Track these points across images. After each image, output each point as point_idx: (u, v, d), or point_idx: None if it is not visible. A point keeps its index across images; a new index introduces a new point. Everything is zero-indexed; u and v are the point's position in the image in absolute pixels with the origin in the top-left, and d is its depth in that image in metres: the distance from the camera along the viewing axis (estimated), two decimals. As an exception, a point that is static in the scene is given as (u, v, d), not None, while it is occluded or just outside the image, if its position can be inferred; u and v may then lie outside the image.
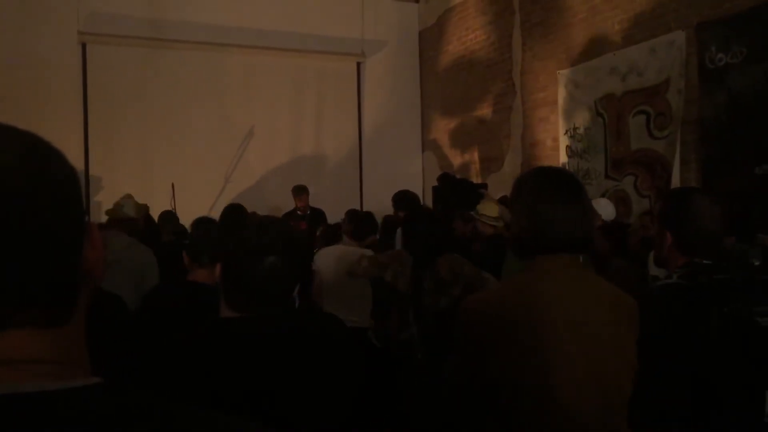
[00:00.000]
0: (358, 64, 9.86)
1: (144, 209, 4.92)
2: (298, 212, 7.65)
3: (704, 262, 1.92)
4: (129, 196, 4.66)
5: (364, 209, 7.24)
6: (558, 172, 1.83)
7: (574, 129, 7.11)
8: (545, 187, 1.69)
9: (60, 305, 0.67)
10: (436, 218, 3.91)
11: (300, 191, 7.75)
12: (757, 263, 2.32)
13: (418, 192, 9.30)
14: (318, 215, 7.28)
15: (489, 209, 5.05)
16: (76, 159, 8.25)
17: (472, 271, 3.34)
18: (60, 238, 0.66)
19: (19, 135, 0.69)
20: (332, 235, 5.29)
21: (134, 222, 4.42)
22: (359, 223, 4.94)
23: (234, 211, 4.95)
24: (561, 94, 7.28)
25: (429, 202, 8.30)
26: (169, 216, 6.21)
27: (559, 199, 1.66)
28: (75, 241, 0.68)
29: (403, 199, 5.94)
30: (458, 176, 8.39)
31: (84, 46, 8.38)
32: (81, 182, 0.72)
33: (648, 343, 1.69)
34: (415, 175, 10.02)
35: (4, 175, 0.63)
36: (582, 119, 6.98)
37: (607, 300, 1.68)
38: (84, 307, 0.70)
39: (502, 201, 5.25)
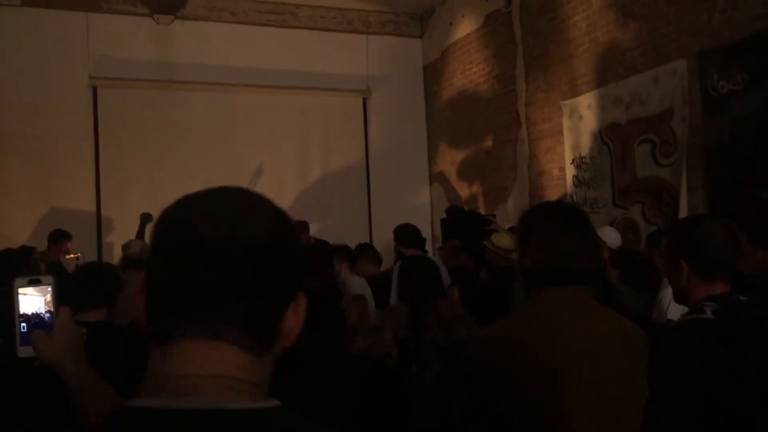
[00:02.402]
0: (364, 100, 9.97)
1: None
2: None
3: (741, 298, 1.88)
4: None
5: (373, 242, 7.26)
6: (566, 206, 1.86)
7: (580, 158, 7.15)
8: (556, 220, 1.72)
9: (264, 342, 0.83)
10: (429, 260, 3.91)
11: (302, 228, 7.80)
12: None
13: (427, 224, 9.33)
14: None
15: (504, 241, 5.02)
16: (87, 201, 8.36)
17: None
18: (283, 293, 0.84)
19: (272, 209, 0.87)
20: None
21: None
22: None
23: None
24: (566, 125, 7.34)
25: (438, 233, 8.31)
26: None
27: (571, 233, 1.68)
28: (289, 298, 0.85)
29: (402, 234, 5.79)
30: (466, 208, 8.41)
31: (95, 89, 8.53)
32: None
33: (675, 377, 1.68)
34: (423, 208, 10.05)
35: (261, 240, 0.81)
36: (587, 149, 7.03)
37: (616, 331, 1.69)
38: (274, 353, 0.86)
39: (511, 231, 5.25)
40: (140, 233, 6.87)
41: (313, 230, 7.79)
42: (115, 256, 7.69)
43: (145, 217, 7.12)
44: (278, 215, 0.86)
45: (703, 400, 1.73)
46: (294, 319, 0.86)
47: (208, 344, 0.79)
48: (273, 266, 0.82)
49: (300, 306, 0.87)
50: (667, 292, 3.46)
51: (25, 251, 5.40)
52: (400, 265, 3.93)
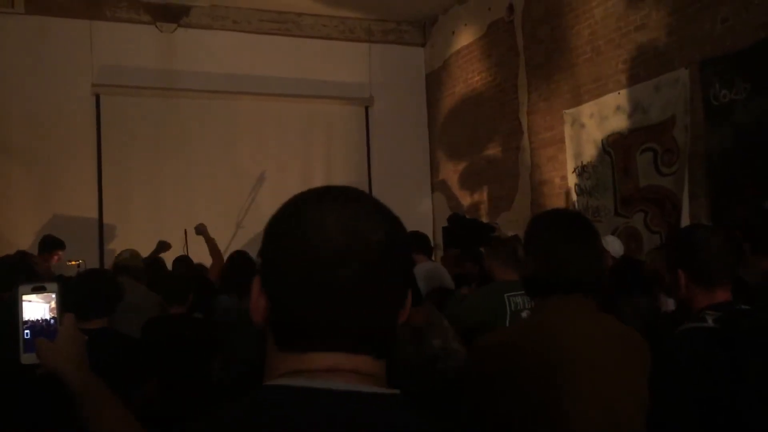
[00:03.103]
0: (366, 108, 9.98)
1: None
2: None
3: (743, 307, 1.88)
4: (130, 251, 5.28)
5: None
6: (573, 214, 1.87)
7: (582, 167, 7.15)
8: (562, 228, 1.73)
9: (387, 344, 0.89)
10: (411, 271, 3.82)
11: None
12: None
13: (429, 232, 9.31)
14: None
15: None
16: (89, 208, 8.37)
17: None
18: (401, 301, 0.89)
19: (387, 220, 0.89)
20: None
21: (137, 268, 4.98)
22: None
23: (240, 256, 5.00)
24: (568, 133, 7.35)
25: (439, 241, 8.31)
26: (184, 259, 6.26)
27: (575, 241, 1.69)
28: (403, 303, 0.90)
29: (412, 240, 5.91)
30: (468, 216, 8.41)
31: (98, 97, 8.55)
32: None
33: (676, 381, 1.68)
34: (425, 216, 10.05)
35: (383, 264, 0.85)
36: (589, 157, 7.03)
37: (618, 339, 1.69)
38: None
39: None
40: (150, 256, 6.50)
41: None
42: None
43: (163, 246, 6.81)
44: (393, 225, 0.89)
45: (704, 404, 1.73)
46: (402, 315, 0.91)
47: (339, 355, 0.85)
48: (394, 281, 0.87)
49: (407, 303, 0.91)
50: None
51: (24, 256, 5.35)
52: None
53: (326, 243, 0.83)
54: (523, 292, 3.77)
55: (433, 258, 6.35)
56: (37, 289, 1.36)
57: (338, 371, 0.84)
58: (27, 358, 1.34)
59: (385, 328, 0.87)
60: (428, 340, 3.06)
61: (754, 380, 1.72)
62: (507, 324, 3.63)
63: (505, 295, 3.72)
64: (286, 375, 0.84)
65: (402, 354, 3.04)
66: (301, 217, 0.87)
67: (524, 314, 3.64)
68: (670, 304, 3.67)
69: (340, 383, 0.82)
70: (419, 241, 5.72)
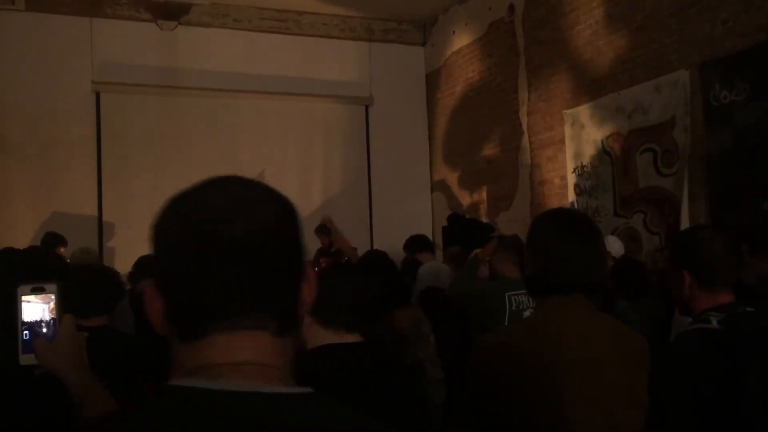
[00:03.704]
0: (366, 107, 9.98)
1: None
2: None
3: (747, 309, 1.88)
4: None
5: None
6: (576, 214, 1.86)
7: (582, 167, 7.15)
8: (564, 228, 1.72)
9: (289, 319, 0.87)
10: (393, 266, 3.76)
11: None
12: None
13: (428, 232, 9.31)
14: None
15: None
16: (89, 206, 8.36)
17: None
18: (298, 271, 0.88)
19: (273, 194, 0.89)
20: None
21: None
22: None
23: None
24: (568, 134, 7.35)
25: (439, 241, 8.31)
26: None
27: (577, 241, 1.68)
28: (302, 275, 0.89)
29: (413, 241, 5.92)
30: (467, 216, 8.41)
31: (98, 95, 8.55)
32: None
33: (677, 383, 1.68)
34: (425, 215, 10.05)
35: (272, 227, 0.84)
36: (589, 158, 7.03)
37: (618, 340, 1.69)
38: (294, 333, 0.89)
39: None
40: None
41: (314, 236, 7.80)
42: (117, 261, 7.69)
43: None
44: (279, 198, 0.89)
45: (707, 405, 1.73)
46: (308, 290, 0.89)
47: (241, 334, 0.82)
48: (287, 248, 0.86)
49: (310, 277, 0.90)
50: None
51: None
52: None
53: (210, 210, 0.83)
54: (524, 290, 3.79)
55: (435, 257, 6.36)
56: (36, 290, 1.36)
57: (240, 365, 0.80)
58: (25, 359, 1.34)
59: (281, 297, 0.85)
60: (409, 345, 2.97)
61: (758, 383, 1.72)
62: (506, 322, 3.63)
63: (507, 293, 3.72)
64: (187, 373, 0.81)
65: (380, 356, 2.95)
66: (185, 203, 0.87)
67: (527, 313, 3.64)
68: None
69: (241, 382, 0.79)
70: (421, 242, 5.76)
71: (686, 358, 1.79)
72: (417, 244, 5.71)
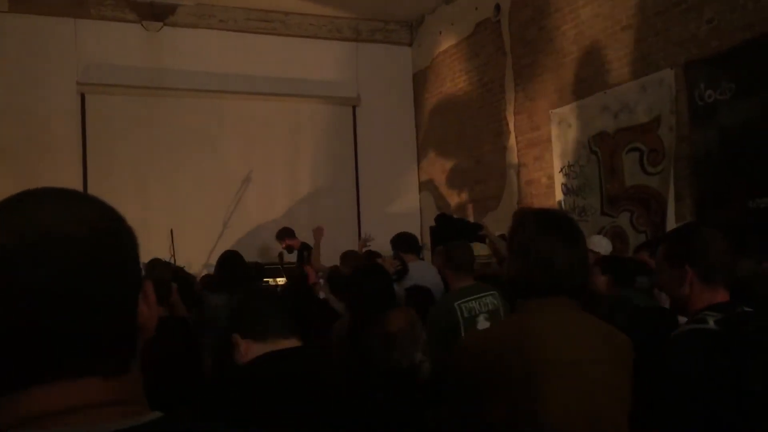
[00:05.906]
0: (354, 108, 9.97)
1: None
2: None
3: (746, 309, 1.86)
4: None
5: (364, 251, 7.23)
6: (558, 215, 1.85)
7: (569, 167, 7.17)
8: (546, 229, 1.70)
9: (123, 355, 0.77)
10: (381, 268, 3.76)
11: (287, 234, 7.93)
12: None
13: (416, 231, 9.31)
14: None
15: (478, 249, 5.05)
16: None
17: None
18: (123, 297, 0.77)
19: (88, 204, 0.78)
20: None
21: None
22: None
23: (231, 255, 4.98)
24: (554, 133, 7.37)
25: (427, 241, 8.31)
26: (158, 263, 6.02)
27: (559, 242, 1.67)
28: (134, 298, 0.78)
29: (399, 241, 5.89)
30: (455, 215, 8.41)
31: (83, 96, 8.49)
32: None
33: (676, 385, 1.67)
34: (412, 215, 10.05)
35: (79, 247, 0.73)
36: (576, 157, 7.05)
37: (601, 339, 1.69)
38: (138, 361, 0.79)
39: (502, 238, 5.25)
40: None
41: (303, 238, 7.78)
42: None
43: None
44: (102, 210, 0.79)
45: (705, 407, 1.72)
46: (146, 311, 0.80)
47: (61, 384, 0.72)
48: (106, 280, 0.74)
49: (149, 295, 0.81)
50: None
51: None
52: (351, 275, 3.73)
53: (4, 251, 0.71)
54: (476, 296, 3.77)
55: (423, 258, 6.35)
56: None
57: (64, 413, 0.71)
58: None
59: (107, 337, 0.74)
60: (404, 348, 2.88)
61: (756, 384, 1.70)
62: (462, 333, 3.57)
63: (455, 303, 3.68)
64: (12, 427, 0.70)
65: (373, 361, 2.89)
66: None
67: (480, 318, 3.63)
68: (663, 298, 3.64)
69: (77, 425, 0.70)
70: (407, 242, 5.72)
71: (686, 358, 1.78)
72: (403, 244, 5.68)
